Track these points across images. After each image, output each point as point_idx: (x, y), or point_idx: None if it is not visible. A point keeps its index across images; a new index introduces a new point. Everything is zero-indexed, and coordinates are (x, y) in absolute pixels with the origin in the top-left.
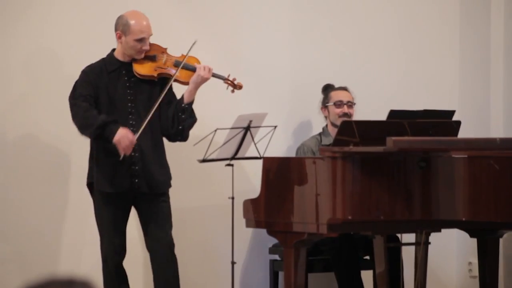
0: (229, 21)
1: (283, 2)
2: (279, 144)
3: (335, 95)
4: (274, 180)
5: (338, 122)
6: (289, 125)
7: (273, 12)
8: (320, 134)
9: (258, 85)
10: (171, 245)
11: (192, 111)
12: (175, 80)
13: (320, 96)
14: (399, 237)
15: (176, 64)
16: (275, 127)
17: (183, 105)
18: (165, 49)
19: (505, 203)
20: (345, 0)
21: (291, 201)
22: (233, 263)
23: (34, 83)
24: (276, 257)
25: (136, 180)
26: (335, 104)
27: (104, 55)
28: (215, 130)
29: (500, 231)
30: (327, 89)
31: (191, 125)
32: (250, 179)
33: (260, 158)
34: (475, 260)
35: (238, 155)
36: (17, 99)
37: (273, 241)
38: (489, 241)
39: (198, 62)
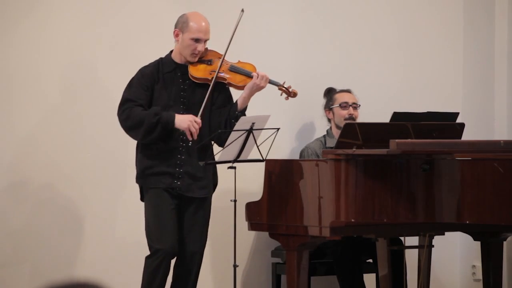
0: (231, 24)
1: (285, 7)
2: (281, 146)
3: (340, 97)
4: (276, 183)
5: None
6: (292, 128)
7: (275, 16)
8: (324, 136)
9: None
10: (202, 252)
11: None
12: (230, 84)
13: (322, 99)
14: (402, 240)
15: (231, 69)
16: (278, 129)
17: (236, 112)
18: (221, 55)
19: (509, 206)
20: (347, 4)
21: (293, 204)
22: (235, 266)
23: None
24: (279, 260)
25: (178, 182)
26: (340, 105)
27: (106, 57)
28: (218, 132)
29: (504, 234)
30: (330, 92)
31: None
32: (252, 182)
33: (262, 160)
34: (478, 263)
35: (241, 158)
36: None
37: (275, 244)
38: (493, 244)
39: (254, 69)
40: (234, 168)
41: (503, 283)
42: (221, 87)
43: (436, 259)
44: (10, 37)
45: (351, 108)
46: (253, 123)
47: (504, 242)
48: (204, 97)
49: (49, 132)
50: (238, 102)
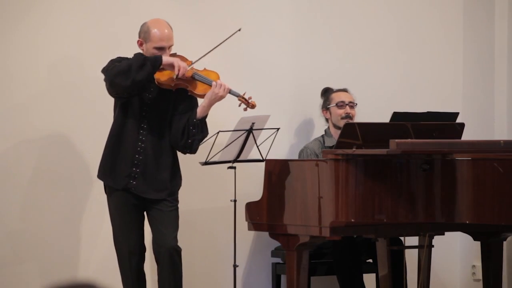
0: (232, 24)
1: (284, 7)
2: (281, 146)
3: (337, 96)
4: (276, 183)
5: (341, 123)
6: (292, 128)
7: (275, 16)
8: (322, 136)
9: (261, 87)
10: (174, 249)
11: (204, 125)
12: (191, 92)
13: (320, 99)
14: (402, 240)
15: (194, 76)
16: (278, 129)
17: (195, 120)
18: (190, 62)
19: (509, 205)
20: (347, 3)
21: (293, 204)
22: (235, 266)
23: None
24: (279, 260)
25: (134, 182)
26: (337, 105)
27: (105, 57)
28: (218, 133)
29: (504, 234)
30: (327, 92)
31: (201, 140)
32: (252, 182)
33: (262, 160)
34: (478, 263)
35: (240, 158)
36: (25, 99)
37: (275, 244)
38: (493, 244)
39: (218, 78)
40: (234, 168)
41: (503, 283)
42: (185, 94)
43: (436, 259)
44: (9, 36)
45: (347, 107)
46: (253, 123)
47: (504, 242)
48: (167, 103)
49: (48, 131)
50: (198, 110)
